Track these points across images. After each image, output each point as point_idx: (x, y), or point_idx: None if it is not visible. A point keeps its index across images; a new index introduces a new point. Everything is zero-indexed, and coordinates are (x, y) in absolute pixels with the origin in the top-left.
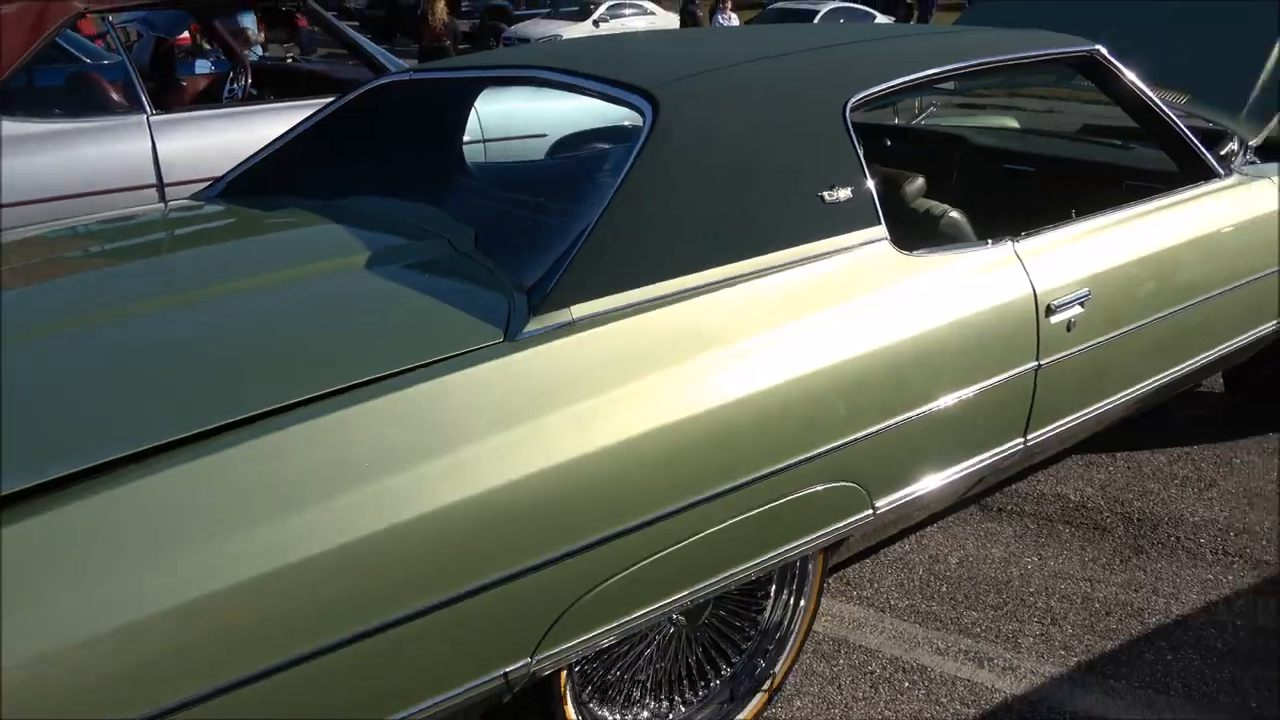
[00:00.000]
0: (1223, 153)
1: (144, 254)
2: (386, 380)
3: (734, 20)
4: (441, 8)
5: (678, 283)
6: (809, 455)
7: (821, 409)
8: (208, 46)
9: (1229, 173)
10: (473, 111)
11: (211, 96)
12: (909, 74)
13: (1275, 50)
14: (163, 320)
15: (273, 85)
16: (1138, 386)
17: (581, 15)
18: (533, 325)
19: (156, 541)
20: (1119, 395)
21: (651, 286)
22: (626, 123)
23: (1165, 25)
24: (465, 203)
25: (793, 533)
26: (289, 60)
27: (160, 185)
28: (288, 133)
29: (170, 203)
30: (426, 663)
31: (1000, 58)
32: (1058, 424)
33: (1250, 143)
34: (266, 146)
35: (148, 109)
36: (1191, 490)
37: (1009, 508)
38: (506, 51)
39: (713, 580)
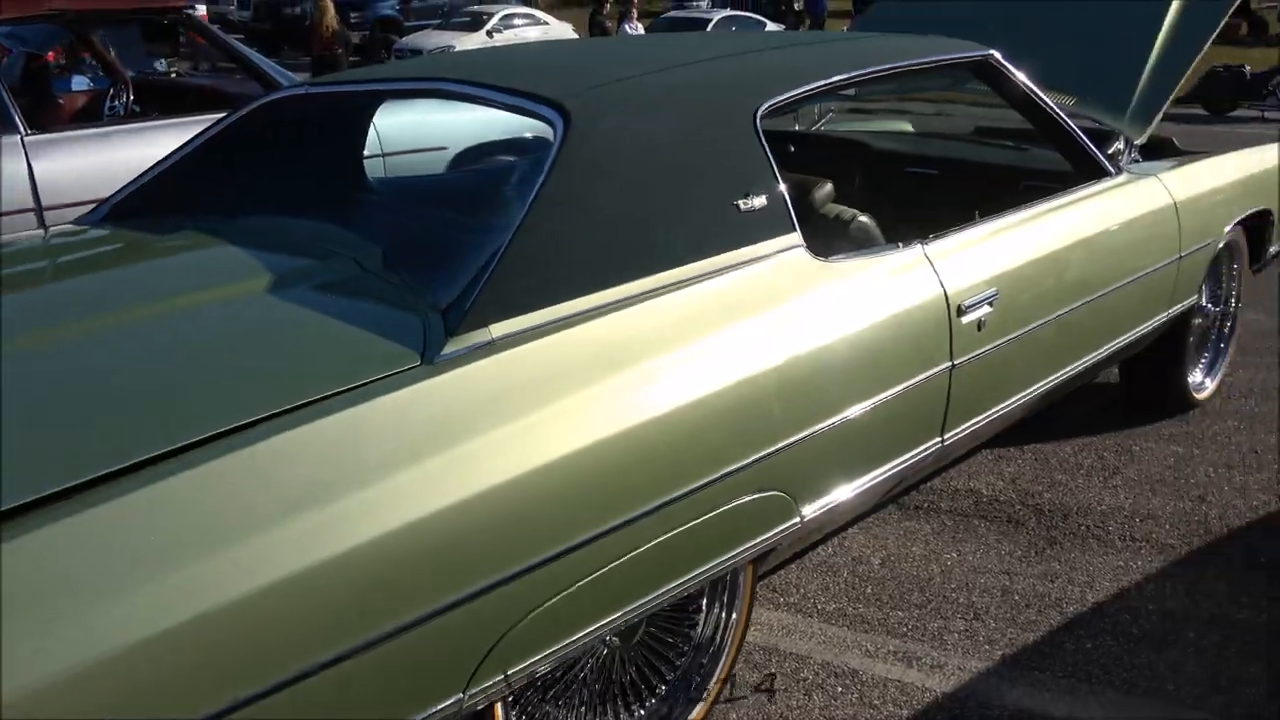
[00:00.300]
0: (1110, 152)
1: (22, 284)
2: (297, 412)
3: (639, 29)
4: (331, 16)
5: (597, 297)
6: (737, 466)
7: (748, 419)
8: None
9: (1119, 171)
10: (371, 125)
11: (91, 114)
12: (818, 80)
13: (1154, 51)
14: (44, 356)
15: (157, 101)
16: (1045, 381)
17: (474, 26)
18: (450, 347)
19: (36, 603)
20: (1028, 390)
21: (571, 302)
22: (528, 134)
23: (1051, 29)
24: (371, 220)
25: (724, 546)
26: (173, 75)
27: (39, 209)
28: (177, 151)
29: (51, 228)
30: (352, 707)
31: (904, 63)
32: (972, 422)
33: (1136, 141)
34: (154, 166)
35: (21, 128)
36: (1097, 479)
37: (925, 505)
38: (408, 63)
39: (647, 599)
